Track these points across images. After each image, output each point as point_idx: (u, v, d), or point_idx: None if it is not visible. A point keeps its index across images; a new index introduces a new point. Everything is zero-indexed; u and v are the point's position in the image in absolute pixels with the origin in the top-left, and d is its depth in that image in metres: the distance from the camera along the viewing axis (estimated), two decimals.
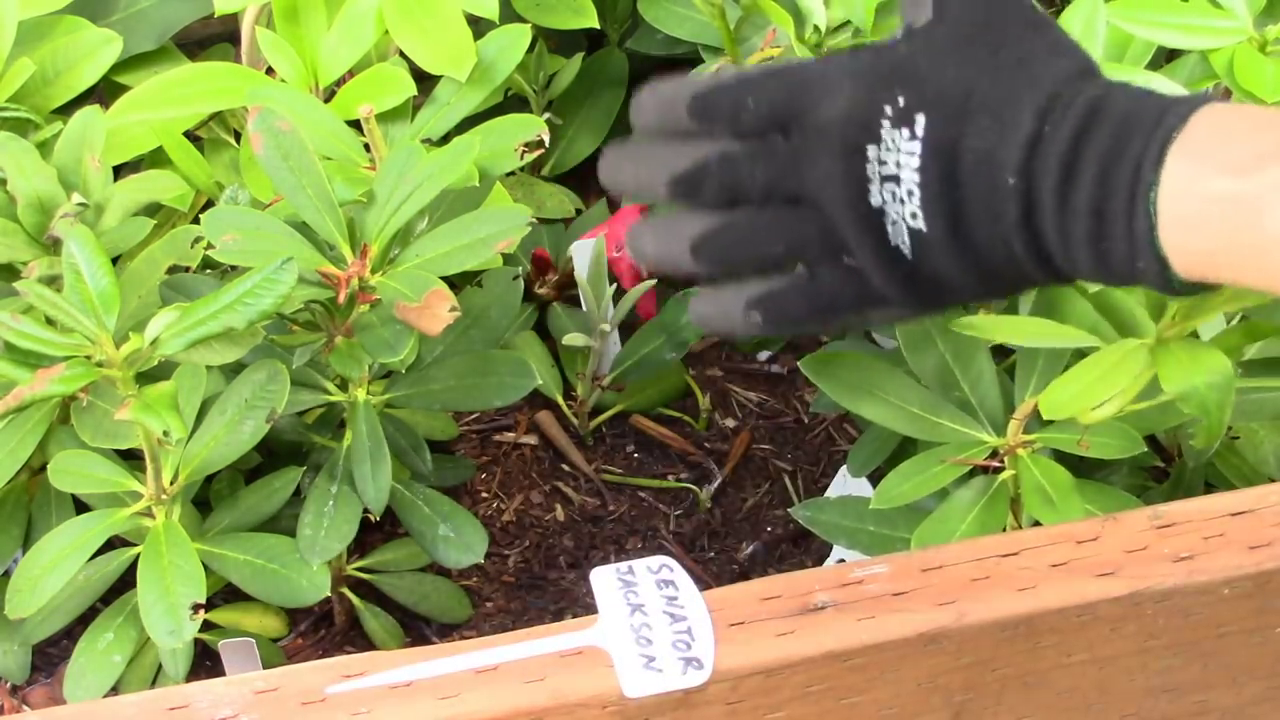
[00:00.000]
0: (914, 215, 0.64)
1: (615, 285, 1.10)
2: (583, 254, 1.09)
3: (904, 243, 0.65)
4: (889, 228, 0.65)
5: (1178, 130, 0.58)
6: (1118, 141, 0.60)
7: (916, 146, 0.63)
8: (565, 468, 1.13)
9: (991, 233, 0.63)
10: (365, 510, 0.90)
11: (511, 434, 1.14)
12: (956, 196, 0.63)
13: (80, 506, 0.89)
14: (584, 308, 1.10)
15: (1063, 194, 0.60)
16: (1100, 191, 0.59)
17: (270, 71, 0.99)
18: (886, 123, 0.64)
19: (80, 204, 0.87)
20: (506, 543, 1.09)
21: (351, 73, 0.98)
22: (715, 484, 1.12)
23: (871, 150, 0.65)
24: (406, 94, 0.95)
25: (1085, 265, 0.61)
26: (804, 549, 1.09)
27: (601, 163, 0.71)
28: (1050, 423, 0.89)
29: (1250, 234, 0.57)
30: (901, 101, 0.64)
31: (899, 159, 0.64)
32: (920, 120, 0.63)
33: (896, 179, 0.64)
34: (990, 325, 0.83)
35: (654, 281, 1.10)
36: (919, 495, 0.86)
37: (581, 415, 1.12)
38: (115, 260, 0.84)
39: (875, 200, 0.65)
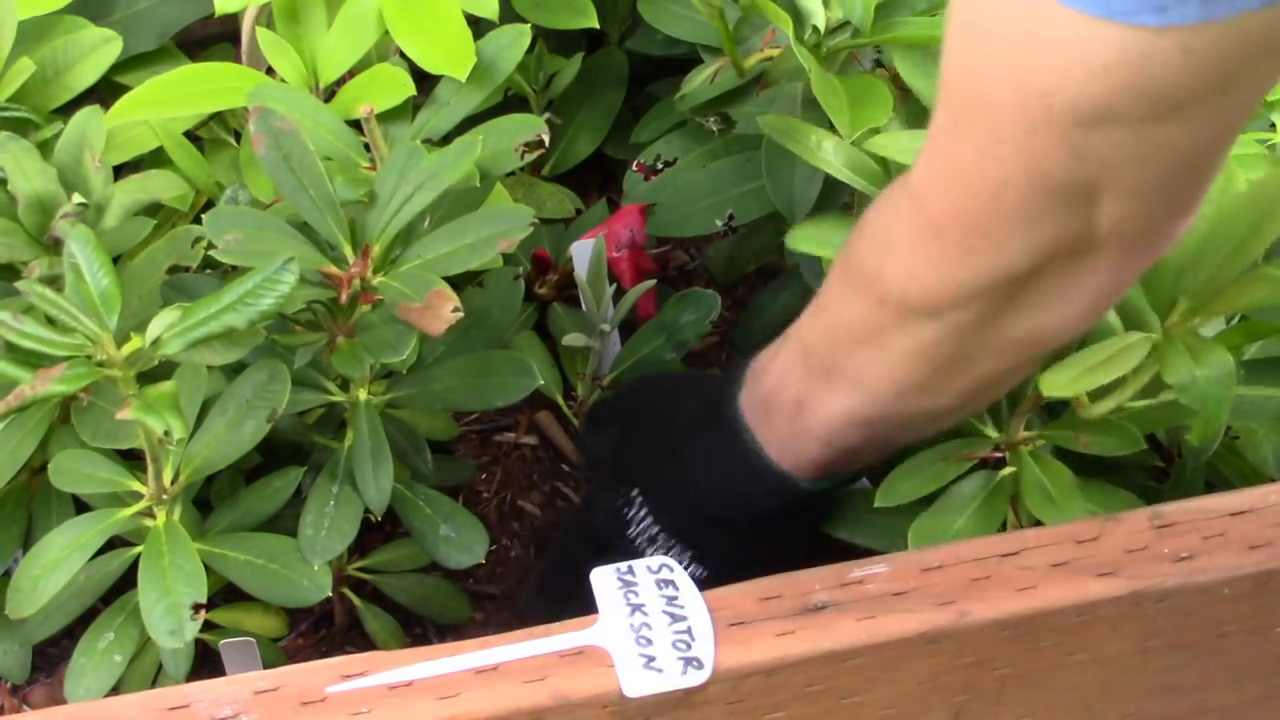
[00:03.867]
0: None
1: (615, 285, 1.10)
2: (583, 254, 1.09)
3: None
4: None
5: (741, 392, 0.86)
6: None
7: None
8: (565, 468, 1.13)
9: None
10: (366, 510, 0.90)
11: (511, 434, 1.14)
12: None
13: (80, 506, 0.89)
14: (584, 308, 1.10)
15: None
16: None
17: (270, 71, 0.99)
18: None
19: (81, 204, 0.86)
20: (507, 543, 1.09)
21: (352, 73, 0.98)
22: None
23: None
24: (406, 94, 0.95)
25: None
26: None
27: None
28: (1053, 419, 0.89)
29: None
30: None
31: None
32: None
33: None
34: None
35: (654, 281, 1.10)
36: (923, 492, 0.87)
37: (582, 415, 1.12)
38: (116, 260, 0.84)
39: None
